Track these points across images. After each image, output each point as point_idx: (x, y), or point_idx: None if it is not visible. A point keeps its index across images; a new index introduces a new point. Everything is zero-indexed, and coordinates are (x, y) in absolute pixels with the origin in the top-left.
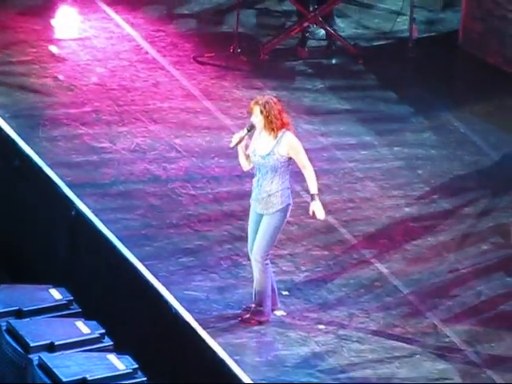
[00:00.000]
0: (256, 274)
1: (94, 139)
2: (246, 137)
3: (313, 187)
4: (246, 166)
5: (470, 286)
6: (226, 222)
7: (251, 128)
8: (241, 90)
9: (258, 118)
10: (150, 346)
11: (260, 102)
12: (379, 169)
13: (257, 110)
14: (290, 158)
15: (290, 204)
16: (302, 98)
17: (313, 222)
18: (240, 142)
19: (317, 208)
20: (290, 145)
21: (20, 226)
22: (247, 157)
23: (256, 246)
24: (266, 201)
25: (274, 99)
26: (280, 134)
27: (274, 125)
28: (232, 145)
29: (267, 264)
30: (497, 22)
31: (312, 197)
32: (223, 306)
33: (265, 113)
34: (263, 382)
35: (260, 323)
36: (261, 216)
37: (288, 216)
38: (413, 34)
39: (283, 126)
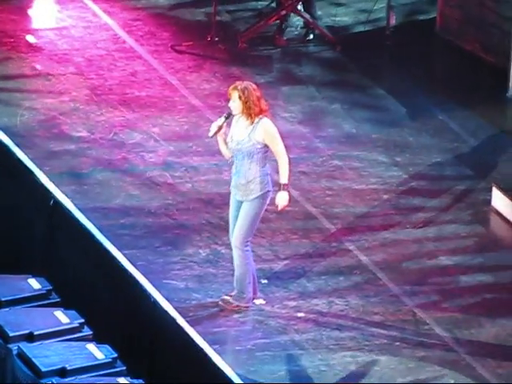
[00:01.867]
0: (236, 261)
1: (71, 128)
2: (225, 125)
3: (283, 177)
4: (226, 154)
5: (449, 273)
6: (204, 211)
7: (228, 116)
8: (219, 78)
9: (235, 103)
10: (129, 336)
11: (239, 88)
12: (357, 157)
13: (235, 95)
14: (267, 145)
15: (269, 191)
16: (279, 86)
17: (291, 211)
18: (219, 130)
19: (282, 198)
20: (265, 131)
21: None
22: (227, 145)
23: (236, 233)
24: (245, 187)
25: (253, 85)
26: (257, 119)
27: (252, 111)
28: (211, 134)
29: (247, 250)
30: (474, 9)
31: (280, 186)
32: (202, 295)
33: (243, 98)
34: (243, 371)
35: (240, 309)
36: (241, 203)
37: (268, 202)
38: (390, 21)
39: (261, 112)
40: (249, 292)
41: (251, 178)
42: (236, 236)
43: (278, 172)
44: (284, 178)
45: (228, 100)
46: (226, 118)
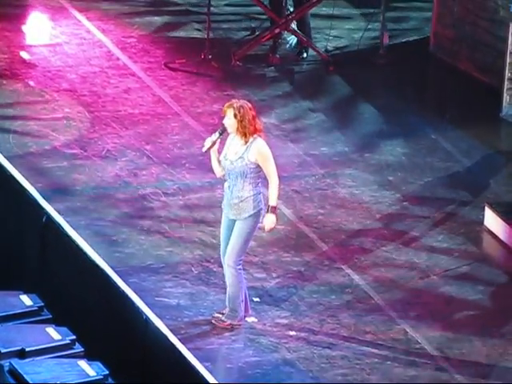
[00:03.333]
0: (229, 280)
1: (64, 145)
2: (218, 141)
3: (272, 199)
4: (218, 171)
5: (440, 292)
6: (196, 229)
7: (223, 131)
8: (212, 96)
9: (230, 121)
10: (121, 353)
11: (234, 106)
12: (350, 175)
13: (230, 113)
14: (259, 165)
15: (262, 209)
16: (272, 104)
17: (284, 229)
18: (212, 146)
19: (269, 221)
20: (259, 151)
21: None
22: (220, 162)
23: (229, 252)
24: (238, 206)
25: (249, 104)
26: (251, 139)
27: (247, 130)
28: (204, 149)
29: (240, 269)
30: (468, 28)
31: (269, 208)
32: (194, 313)
33: (239, 117)
34: None
35: (232, 327)
36: (233, 221)
37: (260, 221)
38: (384, 40)
39: (256, 131)
40: (241, 310)
41: (244, 197)
42: (229, 255)
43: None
44: (273, 201)
45: (222, 117)
46: (220, 134)
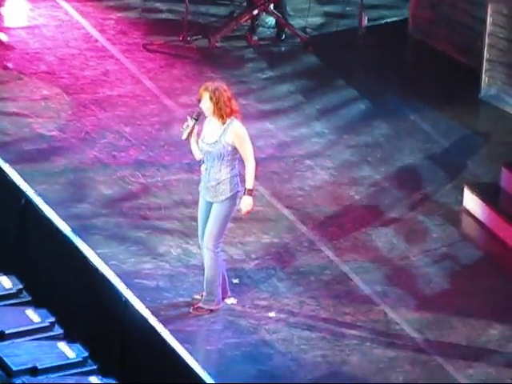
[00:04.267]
0: (207, 263)
1: (43, 127)
2: (197, 125)
3: (249, 181)
4: (198, 154)
5: (420, 273)
6: (175, 210)
7: (198, 116)
8: (190, 77)
9: (206, 105)
10: (101, 335)
11: (209, 89)
12: (329, 156)
13: (206, 96)
14: (236, 148)
15: (239, 191)
16: (251, 85)
17: (262, 210)
18: (191, 132)
19: (246, 203)
20: (235, 134)
21: None
22: (198, 145)
23: (207, 235)
24: (215, 189)
25: (224, 86)
26: (228, 121)
27: (223, 111)
28: (184, 137)
29: (218, 252)
30: (446, 9)
31: (245, 191)
32: (173, 295)
33: (214, 99)
34: (213, 370)
35: (211, 311)
36: (210, 204)
37: (238, 203)
38: (362, 22)
39: (232, 113)
40: (218, 294)
41: (221, 179)
42: (207, 238)
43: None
44: (249, 183)
45: (198, 101)
46: (196, 120)
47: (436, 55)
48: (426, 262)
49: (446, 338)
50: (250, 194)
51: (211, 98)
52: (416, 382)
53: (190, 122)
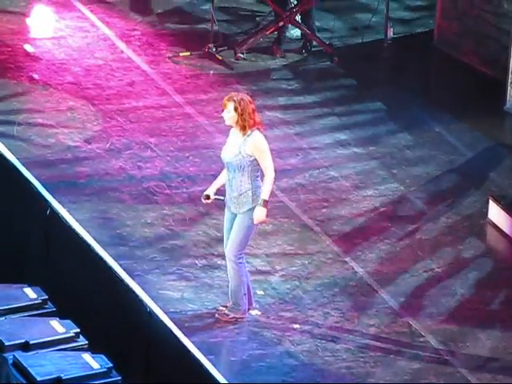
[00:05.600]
0: (229, 273)
1: (68, 138)
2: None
3: (265, 193)
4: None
5: (444, 285)
6: (201, 222)
7: (207, 197)
8: (216, 89)
9: (230, 114)
10: (125, 346)
11: (235, 99)
12: (354, 168)
13: (231, 106)
14: (256, 158)
15: None
16: (276, 97)
17: (288, 222)
18: (208, 198)
19: (259, 214)
20: (255, 145)
21: None
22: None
23: (229, 246)
24: (238, 200)
25: (249, 98)
26: (249, 132)
27: (247, 123)
28: (205, 202)
29: (241, 263)
30: (472, 21)
31: (260, 201)
32: (198, 306)
33: (239, 110)
34: (237, 381)
35: (236, 320)
36: (234, 215)
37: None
38: (388, 33)
39: (255, 124)
40: (244, 303)
41: (243, 190)
42: (229, 249)
43: (274, 183)
44: (265, 194)
45: (222, 110)
46: (206, 198)
47: (461, 67)
48: (451, 273)
49: (471, 350)
50: (265, 206)
51: (236, 109)
52: None
53: (203, 199)
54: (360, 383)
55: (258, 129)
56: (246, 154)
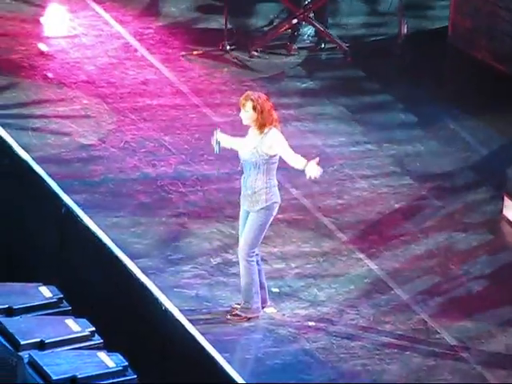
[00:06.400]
0: (241, 271)
1: (83, 136)
2: (224, 137)
3: (300, 164)
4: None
5: (459, 282)
6: (215, 220)
7: (217, 132)
8: (230, 87)
9: (248, 114)
10: (140, 344)
11: (253, 98)
12: (369, 166)
13: (249, 105)
14: (272, 156)
15: (276, 202)
16: (291, 95)
17: (302, 220)
18: (218, 144)
19: (313, 169)
20: (273, 140)
21: (9, 223)
22: (237, 144)
23: (241, 244)
24: (251, 198)
25: (265, 96)
26: (266, 130)
27: (266, 121)
28: (216, 151)
29: (252, 261)
30: (486, 18)
31: (305, 163)
32: (213, 304)
33: (258, 108)
34: (252, 379)
35: (248, 320)
36: (248, 213)
37: (274, 214)
38: (402, 30)
39: (273, 122)
40: (255, 302)
41: (257, 188)
42: (241, 246)
43: (289, 181)
44: (301, 165)
45: (239, 109)
46: (217, 133)
47: (475, 63)
48: (466, 270)
49: (486, 346)
50: (307, 164)
51: (255, 108)
52: None
53: (214, 139)
54: (375, 381)
55: (275, 126)
56: (263, 153)
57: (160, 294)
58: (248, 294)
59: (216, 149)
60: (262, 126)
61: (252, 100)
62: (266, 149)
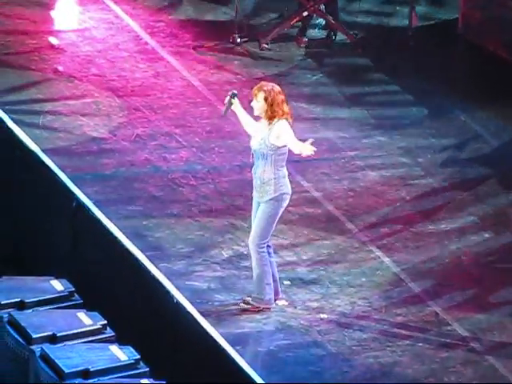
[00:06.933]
0: (253, 263)
1: (94, 130)
2: (237, 102)
3: (300, 145)
4: (249, 129)
5: (471, 274)
6: (226, 212)
7: (234, 94)
8: (240, 79)
9: (259, 104)
10: (152, 337)
11: (265, 89)
12: (380, 157)
13: (261, 95)
14: (280, 147)
15: (285, 193)
16: (301, 87)
17: (313, 212)
18: (229, 107)
19: (306, 148)
20: (280, 130)
21: (21, 217)
22: (246, 121)
23: (251, 235)
24: (261, 189)
25: (278, 88)
26: (275, 121)
27: (276, 113)
28: (223, 113)
29: (263, 252)
30: (496, 9)
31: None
32: (225, 296)
33: (270, 100)
34: (265, 372)
35: (260, 311)
36: (259, 204)
37: (284, 205)
38: (413, 22)
39: (283, 115)
40: (267, 293)
41: (266, 179)
42: (251, 238)
43: (300, 173)
44: (300, 145)
45: (250, 100)
46: (232, 97)
47: (486, 55)
48: (477, 262)
49: (498, 338)
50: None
51: (266, 99)
52: (467, 382)
53: (227, 99)
54: (387, 372)
55: (287, 119)
56: (270, 143)
57: (172, 286)
58: (260, 285)
59: (224, 110)
60: (271, 118)
61: (264, 91)
62: (274, 139)
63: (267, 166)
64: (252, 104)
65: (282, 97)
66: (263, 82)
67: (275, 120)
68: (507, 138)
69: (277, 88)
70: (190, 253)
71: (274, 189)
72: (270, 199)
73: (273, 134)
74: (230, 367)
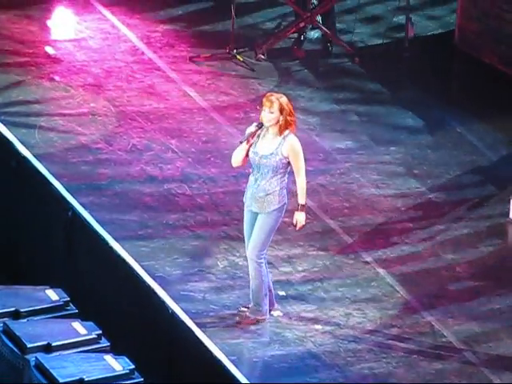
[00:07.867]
0: (251, 273)
1: (89, 140)
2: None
3: (302, 197)
4: (239, 162)
5: (466, 285)
6: (222, 223)
7: (260, 126)
8: (237, 90)
9: (273, 115)
10: (147, 347)
11: (280, 100)
12: (375, 169)
13: (275, 106)
14: (288, 159)
15: (285, 204)
16: (297, 98)
17: (309, 223)
18: (252, 137)
19: (300, 219)
20: (292, 147)
21: (16, 226)
22: (248, 155)
23: (251, 245)
24: (263, 200)
25: (286, 97)
26: (285, 133)
27: (289, 124)
28: (243, 140)
29: (262, 263)
30: (492, 21)
31: (299, 206)
32: (220, 307)
33: (286, 110)
34: (259, 382)
35: (257, 322)
36: (256, 214)
37: (283, 215)
38: (409, 33)
39: (292, 125)
40: (265, 304)
41: (271, 190)
42: (251, 248)
43: (295, 184)
44: (302, 199)
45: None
46: (258, 127)
47: (482, 67)
48: (473, 274)
49: (493, 350)
50: (303, 210)
51: (282, 110)
52: None
53: (253, 127)
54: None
55: (292, 130)
56: (282, 156)
57: (167, 297)
58: (258, 296)
59: (244, 138)
60: (283, 128)
61: (279, 101)
62: (285, 153)
63: (275, 178)
64: (263, 114)
65: (291, 107)
66: (273, 93)
67: (286, 132)
68: (503, 150)
69: (285, 97)
70: (186, 263)
71: (278, 199)
72: (274, 210)
73: (285, 147)
74: (225, 377)
